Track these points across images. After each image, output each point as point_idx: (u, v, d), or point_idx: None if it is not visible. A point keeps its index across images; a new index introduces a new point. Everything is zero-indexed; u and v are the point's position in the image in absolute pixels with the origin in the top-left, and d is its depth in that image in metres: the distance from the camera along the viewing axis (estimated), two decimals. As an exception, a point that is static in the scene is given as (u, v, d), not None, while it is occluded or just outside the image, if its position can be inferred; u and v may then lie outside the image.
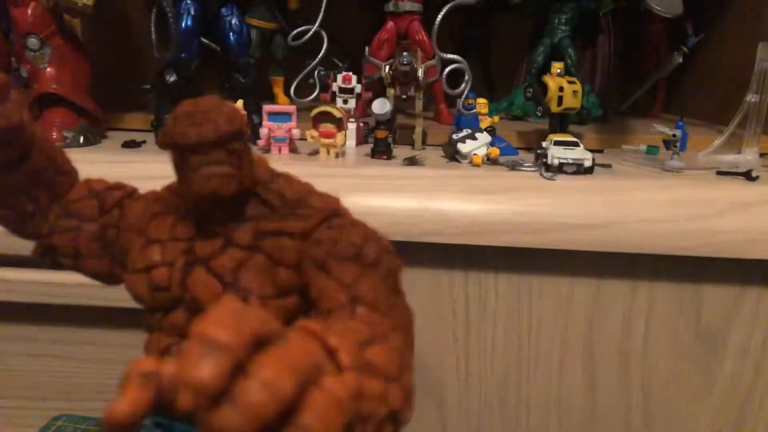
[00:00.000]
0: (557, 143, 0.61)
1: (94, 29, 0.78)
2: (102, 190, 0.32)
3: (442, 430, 0.60)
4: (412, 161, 0.61)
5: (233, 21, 0.70)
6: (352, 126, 0.70)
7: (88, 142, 0.67)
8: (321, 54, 0.71)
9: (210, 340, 0.14)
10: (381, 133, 0.63)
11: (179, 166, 0.26)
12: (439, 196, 0.54)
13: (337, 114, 0.63)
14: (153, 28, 0.67)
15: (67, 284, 0.55)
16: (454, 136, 0.63)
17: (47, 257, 0.32)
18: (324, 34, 0.71)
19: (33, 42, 0.64)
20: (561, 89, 0.64)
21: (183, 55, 0.67)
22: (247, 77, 0.71)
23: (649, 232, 0.52)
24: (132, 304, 0.30)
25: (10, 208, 0.30)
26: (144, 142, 0.69)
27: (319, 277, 0.25)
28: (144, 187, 0.33)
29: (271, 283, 0.26)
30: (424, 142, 0.72)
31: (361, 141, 0.73)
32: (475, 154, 0.62)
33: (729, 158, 0.66)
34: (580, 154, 0.59)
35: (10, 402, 0.61)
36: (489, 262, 0.56)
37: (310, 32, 0.71)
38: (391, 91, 0.68)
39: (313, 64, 0.71)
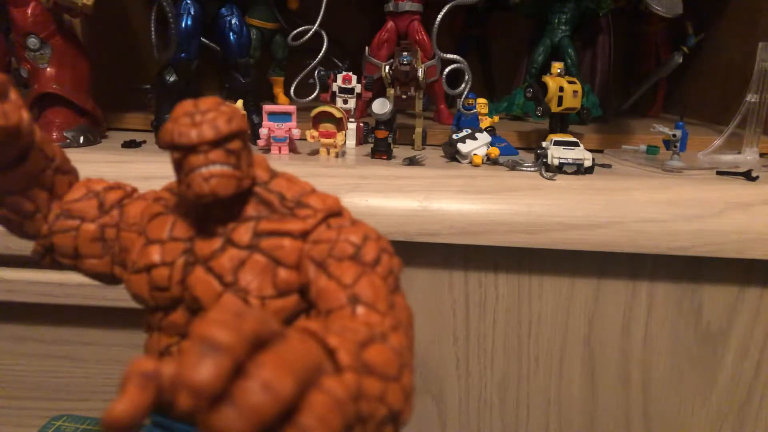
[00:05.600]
0: (557, 143, 0.61)
1: (94, 29, 0.78)
2: (102, 190, 0.32)
3: (442, 430, 0.60)
4: (412, 161, 0.61)
5: (233, 21, 0.70)
6: (352, 126, 0.70)
7: (88, 142, 0.67)
8: (321, 54, 0.71)
9: (210, 341, 0.14)
10: (381, 133, 0.63)
11: (179, 166, 0.26)
12: (439, 196, 0.54)
13: (337, 114, 0.63)
14: (153, 28, 0.67)
15: (67, 284, 0.55)
16: (454, 136, 0.63)
17: (47, 257, 0.32)
18: (324, 34, 0.71)
19: (33, 42, 0.64)
20: (561, 89, 0.64)
21: (183, 55, 0.67)
22: (247, 77, 0.71)
23: (649, 232, 0.52)
24: (132, 304, 0.30)
25: (10, 208, 0.30)
26: (144, 142, 0.69)
27: (318, 277, 0.25)
28: (144, 187, 0.33)
29: (271, 283, 0.26)
30: (424, 142, 0.72)
31: (361, 141, 0.73)
32: (475, 154, 0.62)
33: (729, 158, 0.66)
34: (580, 154, 0.59)
35: (10, 402, 0.61)
36: (489, 262, 0.56)
37: (310, 32, 0.71)
38: (391, 91, 0.68)
39: (313, 64, 0.71)
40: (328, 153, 0.64)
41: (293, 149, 0.66)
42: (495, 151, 0.62)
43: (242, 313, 0.15)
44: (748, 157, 0.66)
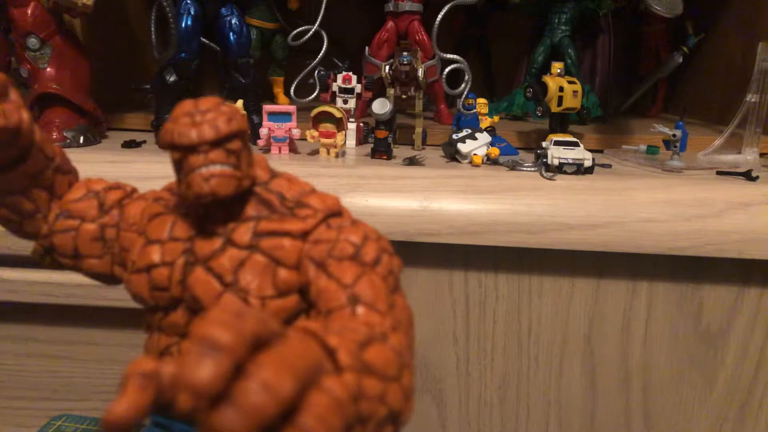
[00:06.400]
0: (557, 143, 0.61)
1: (94, 29, 0.78)
2: (101, 190, 0.32)
3: (442, 430, 0.60)
4: (412, 161, 0.61)
5: (233, 21, 0.70)
6: (352, 126, 0.70)
7: (88, 142, 0.67)
8: (321, 54, 0.71)
9: (210, 341, 0.14)
10: (381, 133, 0.63)
11: (179, 166, 0.26)
12: (439, 196, 0.54)
13: (337, 114, 0.63)
14: (153, 28, 0.67)
15: (67, 284, 0.55)
16: (454, 136, 0.63)
17: (47, 257, 0.32)
18: (324, 34, 0.71)
19: (33, 42, 0.64)
20: (561, 89, 0.64)
21: (183, 55, 0.67)
22: (247, 77, 0.71)
23: (648, 232, 0.52)
24: (132, 304, 0.30)
25: (10, 208, 0.30)
26: (144, 142, 0.69)
27: (318, 277, 0.25)
28: (144, 187, 0.33)
29: (271, 283, 0.26)
30: (424, 142, 0.72)
31: (361, 141, 0.73)
32: (475, 154, 0.62)
33: (729, 158, 0.66)
34: (580, 154, 0.59)
35: (10, 402, 0.61)
36: (489, 262, 0.56)
37: (310, 32, 0.71)
38: (391, 91, 0.68)
39: (313, 64, 0.71)
40: (328, 153, 0.64)
41: (293, 149, 0.66)
42: (495, 151, 0.62)
43: (242, 313, 0.15)
44: (748, 157, 0.66)
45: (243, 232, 0.27)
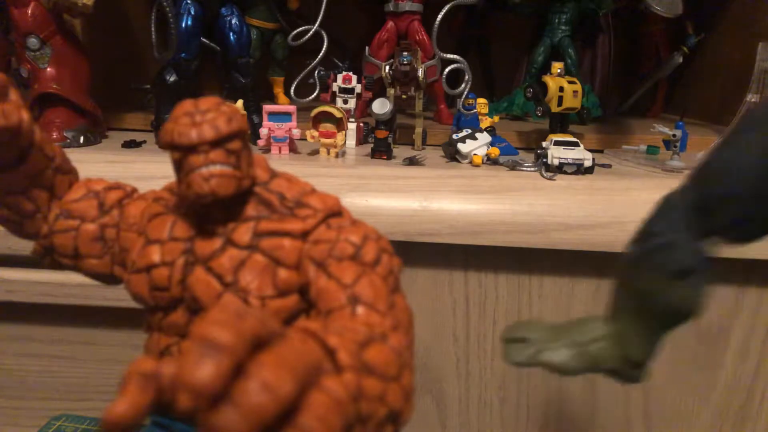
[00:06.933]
0: (557, 143, 0.61)
1: (94, 29, 0.78)
2: (101, 190, 0.32)
3: (442, 430, 0.60)
4: (412, 161, 0.61)
5: (233, 21, 0.70)
6: (352, 126, 0.70)
7: (88, 142, 0.67)
8: (321, 54, 0.71)
9: (210, 341, 0.14)
10: (381, 133, 0.63)
11: (179, 166, 0.26)
12: (439, 196, 0.54)
13: (337, 114, 0.63)
14: (153, 28, 0.67)
15: (67, 284, 0.55)
16: (454, 136, 0.63)
17: (47, 257, 0.32)
18: (324, 34, 0.71)
19: (33, 42, 0.64)
20: (561, 89, 0.64)
21: (183, 55, 0.67)
22: (247, 77, 0.71)
23: (649, 232, 0.52)
24: (132, 304, 0.30)
25: (10, 208, 0.30)
26: (144, 142, 0.69)
27: (318, 277, 0.25)
28: (144, 187, 0.33)
29: (271, 283, 0.26)
30: (424, 142, 0.72)
31: (361, 141, 0.73)
32: (475, 154, 0.62)
33: (729, 158, 0.66)
34: (580, 154, 0.59)
35: (10, 402, 0.61)
36: (489, 262, 0.56)
37: (310, 32, 0.71)
38: (391, 91, 0.68)
39: (313, 64, 0.71)
40: (328, 153, 0.64)
41: (293, 149, 0.66)
42: (495, 151, 0.62)
43: (242, 313, 0.15)
44: (748, 157, 0.66)
45: (243, 232, 0.27)
